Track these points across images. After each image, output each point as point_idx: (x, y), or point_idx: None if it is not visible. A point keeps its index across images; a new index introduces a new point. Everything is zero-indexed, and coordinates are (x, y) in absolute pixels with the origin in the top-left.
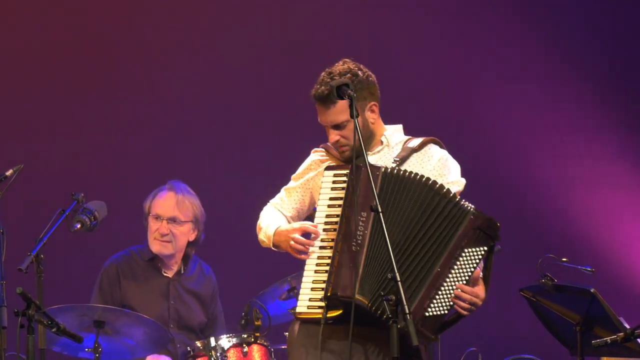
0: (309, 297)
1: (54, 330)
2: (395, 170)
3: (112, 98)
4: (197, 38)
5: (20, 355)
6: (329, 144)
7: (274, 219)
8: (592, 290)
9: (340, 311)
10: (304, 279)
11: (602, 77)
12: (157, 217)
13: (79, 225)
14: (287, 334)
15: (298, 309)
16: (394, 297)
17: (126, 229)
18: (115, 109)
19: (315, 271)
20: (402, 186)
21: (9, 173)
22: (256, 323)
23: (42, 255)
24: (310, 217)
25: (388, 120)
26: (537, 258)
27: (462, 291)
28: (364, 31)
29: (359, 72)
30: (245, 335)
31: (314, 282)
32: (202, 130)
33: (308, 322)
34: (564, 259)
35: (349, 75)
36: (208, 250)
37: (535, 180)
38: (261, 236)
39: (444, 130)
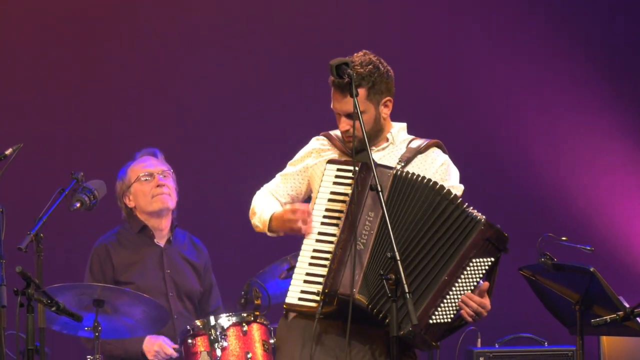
0: (300, 289)
1: (53, 309)
2: (405, 173)
3: (112, 77)
4: (197, 26)
5: (20, 334)
6: (331, 132)
7: (269, 204)
8: (591, 269)
9: (334, 307)
10: (296, 270)
11: (603, 56)
12: (150, 176)
13: (78, 204)
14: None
15: (288, 300)
16: (393, 276)
17: None
18: (116, 88)
19: (310, 264)
20: (412, 189)
21: (8, 152)
22: (256, 302)
23: (41, 235)
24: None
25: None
26: (536, 237)
27: (470, 299)
28: (363, 16)
29: (380, 66)
30: (244, 314)
31: (307, 274)
32: (201, 108)
33: (299, 314)
34: (564, 238)
35: (370, 67)
36: (207, 229)
37: (535, 159)
38: (255, 221)
39: (443, 112)
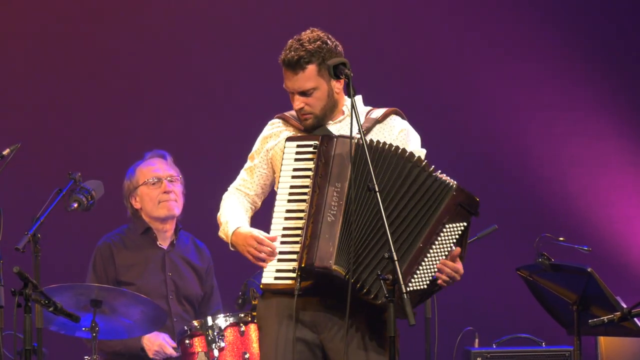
0: (275, 269)
1: (51, 309)
2: (368, 141)
3: (110, 76)
4: (199, 26)
5: (18, 335)
6: (287, 113)
7: (234, 215)
8: (589, 270)
9: (312, 282)
10: None
11: (601, 54)
12: (157, 180)
13: (75, 205)
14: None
15: (264, 280)
16: (390, 277)
17: (123, 208)
18: (114, 87)
19: (282, 242)
20: (378, 156)
21: (6, 152)
22: (253, 302)
23: (39, 235)
24: (275, 192)
25: (384, 97)
26: (534, 237)
27: (445, 266)
28: (364, 16)
29: (328, 41)
30: (242, 315)
31: (281, 253)
32: (202, 108)
33: (277, 293)
34: (561, 238)
35: (318, 42)
36: (205, 229)
37: (533, 159)
38: (220, 232)
39: (441, 111)
